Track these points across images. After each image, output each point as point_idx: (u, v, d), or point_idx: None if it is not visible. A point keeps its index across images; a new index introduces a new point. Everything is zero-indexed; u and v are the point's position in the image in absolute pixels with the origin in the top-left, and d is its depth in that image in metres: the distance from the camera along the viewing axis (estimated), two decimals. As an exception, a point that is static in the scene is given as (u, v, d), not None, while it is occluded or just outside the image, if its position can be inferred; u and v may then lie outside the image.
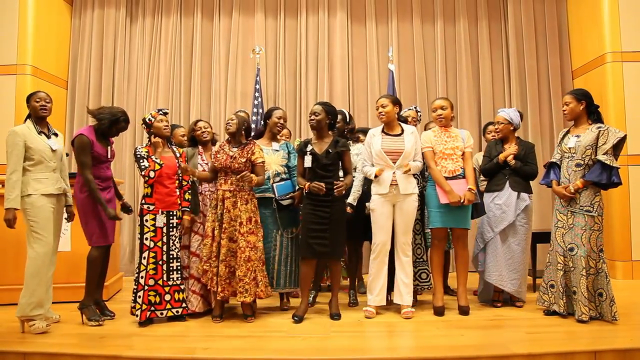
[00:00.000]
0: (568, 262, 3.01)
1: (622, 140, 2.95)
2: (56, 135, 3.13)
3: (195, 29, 5.36)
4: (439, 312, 3.18)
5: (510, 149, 3.38)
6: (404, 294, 3.18)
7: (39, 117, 3.03)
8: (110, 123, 3.08)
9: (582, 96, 3.08)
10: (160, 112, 3.19)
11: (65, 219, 3.17)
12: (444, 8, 5.46)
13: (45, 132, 3.04)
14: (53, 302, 3.06)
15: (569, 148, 3.06)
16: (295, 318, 3.05)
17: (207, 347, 2.57)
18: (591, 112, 3.09)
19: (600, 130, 2.97)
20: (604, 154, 2.91)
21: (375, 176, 3.15)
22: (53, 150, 3.01)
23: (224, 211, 3.07)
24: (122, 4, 5.28)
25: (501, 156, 3.38)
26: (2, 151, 4.27)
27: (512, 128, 3.44)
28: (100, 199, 2.96)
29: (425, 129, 3.95)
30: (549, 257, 3.16)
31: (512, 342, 2.57)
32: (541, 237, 4.00)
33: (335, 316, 3.13)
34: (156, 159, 3.08)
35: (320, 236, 3.06)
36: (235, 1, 5.39)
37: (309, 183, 3.09)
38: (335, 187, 3.06)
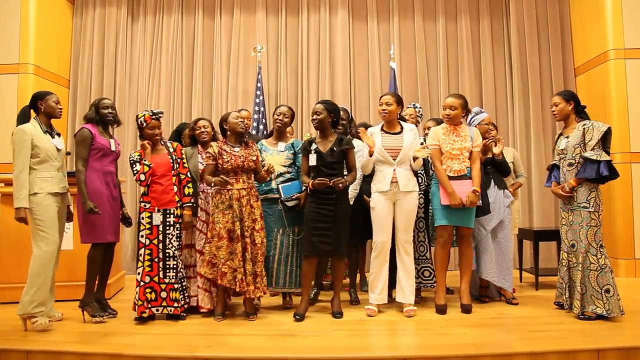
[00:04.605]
0: (572, 258, 3.07)
1: (607, 133, 3.00)
2: (59, 135, 3.14)
3: (196, 28, 5.36)
4: (441, 310, 3.18)
5: (496, 148, 3.45)
6: (406, 292, 3.17)
7: (53, 117, 3.06)
8: (96, 108, 3.12)
9: (570, 97, 3.17)
10: (154, 117, 3.15)
11: None
12: (446, 5, 5.44)
13: (50, 131, 3.06)
14: (55, 301, 3.08)
15: (561, 150, 3.15)
16: (297, 317, 3.05)
17: (209, 345, 2.57)
18: (579, 112, 3.16)
19: (585, 128, 3.04)
20: (591, 150, 2.98)
21: (370, 154, 3.15)
22: (58, 150, 3.04)
23: (243, 210, 3.07)
24: (123, 2, 5.28)
25: (480, 155, 3.40)
26: (5, 149, 4.35)
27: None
28: (83, 191, 2.96)
29: (424, 129, 3.94)
30: (562, 254, 3.22)
31: (515, 341, 2.57)
32: (543, 235, 3.99)
33: (338, 314, 3.13)
34: (144, 160, 3.09)
35: (323, 234, 3.06)
36: (237, -1, 5.40)
37: (312, 180, 3.09)
38: (333, 181, 3.03)
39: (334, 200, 3.08)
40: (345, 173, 3.23)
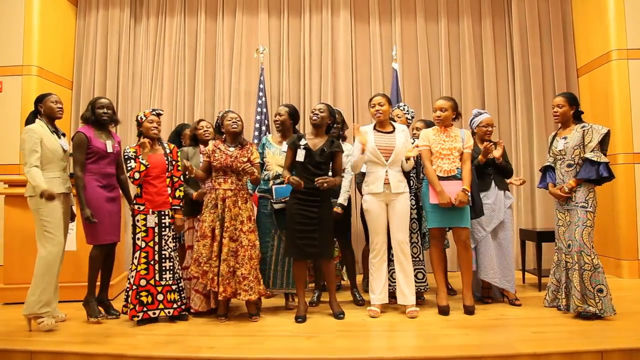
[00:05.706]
0: (569, 259, 3.09)
1: (607, 135, 3.07)
2: (64, 135, 3.16)
3: (199, 29, 5.37)
4: (444, 311, 3.18)
5: (497, 151, 3.43)
6: (406, 293, 3.17)
7: (54, 118, 3.07)
8: (92, 107, 3.13)
9: (574, 101, 3.23)
10: (153, 113, 3.17)
11: None
12: (448, 6, 5.44)
13: (56, 131, 3.07)
14: (59, 301, 3.09)
15: (559, 151, 3.19)
16: (299, 319, 3.05)
17: (212, 346, 2.58)
18: (576, 116, 3.23)
19: (584, 130, 3.10)
20: (591, 152, 3.04)
21: (362, 152, 3.12)
22: (64, 150, 3.06)
23: (226, 210, 3.06)
24: (126, 4, 5.30)
25: (480, 157, 3.40)
26: (9, 150, 4.37)
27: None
28: (81, 198, 2.97)
29: (413, 129, 3.93)
30: (556, 255, 3.23)
31: (518, 342, 2.56)
32: (545, 236, 3.99)
33: (340, 315, 3.13)
34: (142, 159, 3.07)
35: (309, 237, 3.04)
36: (239, 1, 5.40)
37: (289, 176, 3.03)
38: (317, 181, 2.96)
39: (319, 202, 3.06)
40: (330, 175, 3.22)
